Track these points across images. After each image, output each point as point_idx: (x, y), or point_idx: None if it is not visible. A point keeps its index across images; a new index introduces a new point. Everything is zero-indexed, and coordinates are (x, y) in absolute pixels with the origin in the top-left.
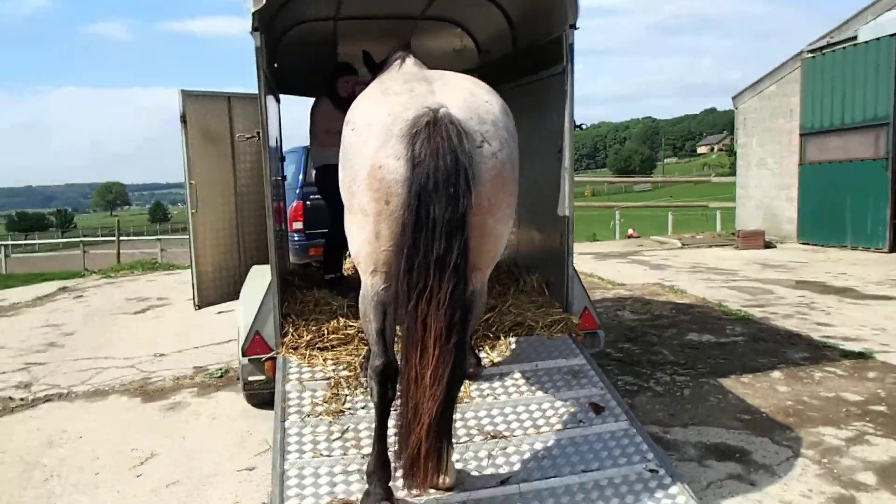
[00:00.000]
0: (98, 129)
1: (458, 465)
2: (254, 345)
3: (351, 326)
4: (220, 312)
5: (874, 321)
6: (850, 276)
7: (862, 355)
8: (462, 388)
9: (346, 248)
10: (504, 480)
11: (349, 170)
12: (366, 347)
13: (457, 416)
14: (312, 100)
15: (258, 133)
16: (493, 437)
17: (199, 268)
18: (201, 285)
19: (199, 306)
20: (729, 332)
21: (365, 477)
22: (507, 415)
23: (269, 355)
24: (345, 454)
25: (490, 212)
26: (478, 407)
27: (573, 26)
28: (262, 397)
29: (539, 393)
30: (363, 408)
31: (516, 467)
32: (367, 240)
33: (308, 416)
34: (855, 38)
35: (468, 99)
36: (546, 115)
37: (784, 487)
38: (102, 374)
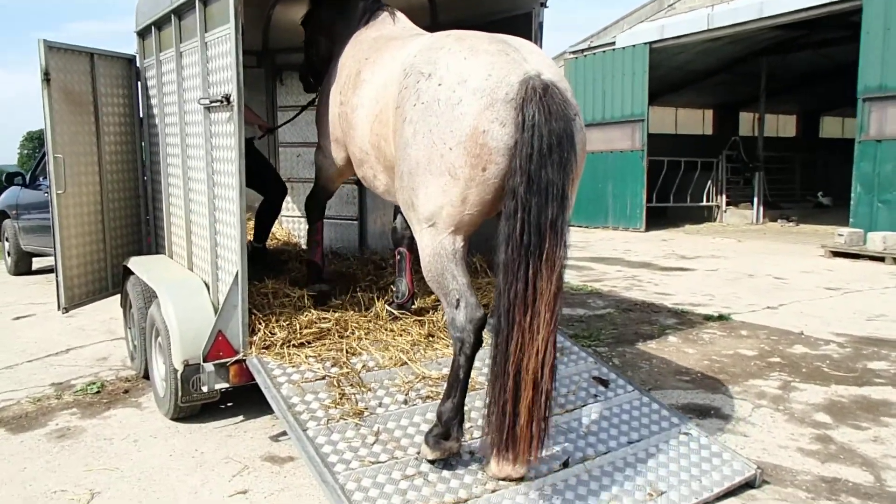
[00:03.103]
0: None
1: None
2: (216, 347)
3: (325, 319)
4: (16, 318)
5: (697, 288)
6: (636, 252)
7: (722, 317)
8: (472, 376)
9: (273, 221)
10: (566, 462)
11: (431, 126)
12: (340, 340)
13: (475, 403)
14: None
15: (224, 98)
16: None
17: (64, 261)
18: (67, 283)
19: (67, 309)
20: (595, 306)
21: (439, 420)
22: None
23: (235, 358)
24: (394, 458)
25: (573, 182)
26: None
27: (544, 4)
28: (193, 410)
29: None
30: (380, 406)
31: (568, 446)
32: (450, 202)
33: (328, 421)
34: (613, 43)
35: (556, 69)
36: None
37: (771, 434)
38: None
